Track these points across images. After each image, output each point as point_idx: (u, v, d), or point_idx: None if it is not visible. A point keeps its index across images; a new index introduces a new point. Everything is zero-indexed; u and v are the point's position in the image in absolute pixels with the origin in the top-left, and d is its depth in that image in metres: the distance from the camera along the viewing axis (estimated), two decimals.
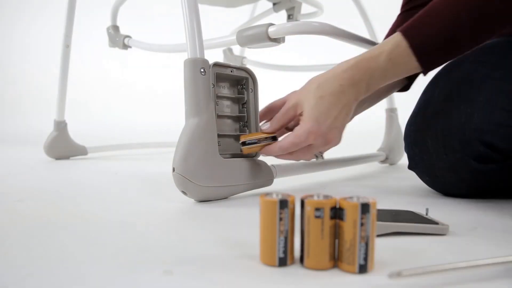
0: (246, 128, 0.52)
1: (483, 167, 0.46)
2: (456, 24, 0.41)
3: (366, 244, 0.25)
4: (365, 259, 0.25)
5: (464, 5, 0.41)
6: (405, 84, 0.63)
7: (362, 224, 0.24)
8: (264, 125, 0.49)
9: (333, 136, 0.45)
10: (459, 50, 0.44)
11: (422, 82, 0.59)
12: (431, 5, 0.43)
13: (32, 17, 2.32)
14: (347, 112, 0.45)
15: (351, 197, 0.26)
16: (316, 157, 0.49)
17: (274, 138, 0.49)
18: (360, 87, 0.44)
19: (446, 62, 0.46)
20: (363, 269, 0.25)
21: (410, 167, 0.53)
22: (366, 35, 0.84)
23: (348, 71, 0.44)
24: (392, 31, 0.63)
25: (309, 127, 0.44)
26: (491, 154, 0.45)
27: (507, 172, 0.47)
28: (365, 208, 0.24)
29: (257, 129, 0.52)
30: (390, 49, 0.43)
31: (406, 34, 0.43)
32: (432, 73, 0.56)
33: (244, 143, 0.47)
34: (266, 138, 0.48)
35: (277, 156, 0.48)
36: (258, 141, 0.47)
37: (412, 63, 0.43)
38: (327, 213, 0.25)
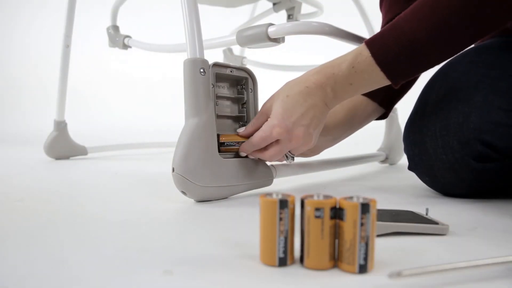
0: None
1: (482, 167, 0.46)
2: (416, 38, 0.41)
3: (366, 244, 0.25)
4: (365, 259, 0.25)
5: (424, 20, 0.41)
6: (384, 112, 0.65)
7: (362, 224, 0.24)
8: (240, 129, 0.49)
9: (298, 133, 0.44)
10: (426, 62, 0.43)
11: (420, 83, 0.59)
12: (396, 19, 0.43)
13: (32, 17, 2.32)
14: (316, 114, 0.45)
15: (351, 197, 0.26)
16: (287, 157, 0.49)
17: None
18: (326, 91, 0.45)
19: (416, 73, 0.45)
20: (363, 269, 0.25)
21: (410, 167, 0.53)
22: (366, 35, 0.84)
23: (314, 75, 0.46)
24: None
25: (273, 121, 0.45)
26: (490, 153, 0.45)
27: (506, 171, 0.47)
28: (365, 208, 0.24)
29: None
30: (352, 57, 0.44)
31: (368, 44, 0.44)
32: (429, 75, 0.57)
33: (222, 144, 0.47)
34: (242, 142, 0.48)
35: (251, 154, 0.48)
36: (237, 143, 0.48)
37: (377, 73, 0.43)
38: (327, 213, 0.25)
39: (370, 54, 0.43)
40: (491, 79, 0.47)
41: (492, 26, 0.42)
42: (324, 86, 0.45)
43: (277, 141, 0.45)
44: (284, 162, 0.50)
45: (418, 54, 0.42)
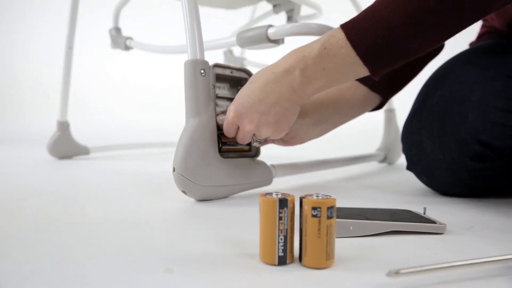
0: None
1: (479, 166, 0.46)
2: (394, 21, 0.37)
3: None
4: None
5: (403, 2, 0.37)
6: (379, 103, 0.60)
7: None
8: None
9: (252, 119, 0.44)
10: (406, 49, 0.39)
11: (418, 84, 0.59)
12: (373, 3, 0.40)
13: (35, 18, 2.33)
14: (279, 101, 0.43)
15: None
16: (253, 140, 0.48)
17: (248, 144, 0.51)
18: (294, 75, 0.41)
19: (395, 61, 0.40)
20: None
21: (408, 167, 0.54)
22: None
23: (282, 60, 0.43)
24: None
25: (230, 107, 0.45)
26: (486, 153, 0.46)
27: (502, 170, 0.47)
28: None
29: None
30: (325, 39, 0.40)
31: (343, 26, 0.40)
32: (426, 75, 0.57)
33: (223, 144, 0.48)
34: None
35: (228, 137, 0.49)
36: (236, 143, 0.49)
37: (352, 57, 0.39)
38: (324, 213, 0.25)
39: (344, 36, 0.39)
40: (487, 79, 0.47)
41: (474, 13, 0.38)
42: (292, 70, 0.41)
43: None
44: (255, 144, 0.49)
45: (397, 39, 0.38)
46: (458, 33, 0.40)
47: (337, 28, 0.40)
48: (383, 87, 0.59)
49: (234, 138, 0.49)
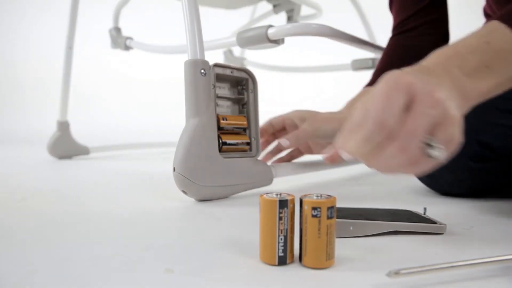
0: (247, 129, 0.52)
1: (480, 166, 0.46)
2: None
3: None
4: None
5: None
6: None
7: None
8: (283, 141, 0.50)
9: (439, 95, 0.25)
10: None
11: None
12: None
13: (35, 18, 2.33)
14: (452, 88, 0.28)
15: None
16: (430, 145, 0.26)
17: (249, 143, 0.51)
18: (453, 73, 0.29)
19: None
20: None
21: None
22: (365, 37, 0.84)
23: (420, 65, 0.30)
24: (383, 58, 0.61)
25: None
26: (486, 153, 0.46)
27: (502, 170, 0.47)
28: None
29: (257, 130, 0.53)
30: (483, 33, 0.32)
31: (505, 19, 0.31)
32: None
33: (223, 144, 0.48)
34: (242, 142, 0.50)
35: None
36: (236, 144, 0.49)
37: None
38: (324, 213, 0.25)
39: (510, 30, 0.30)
40: None
41: None
42: (448, 67, 0.29)
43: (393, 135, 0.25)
44: (432, 157, 0.26)
45: None
46: None
47: (495, 22, 0.32)
48: None
49: (235, 137, 0.48)
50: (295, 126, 0.54)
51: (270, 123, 0.58)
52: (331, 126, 0.51)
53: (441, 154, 0.26)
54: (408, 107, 0.25)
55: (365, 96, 0.31)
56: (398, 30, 0.63)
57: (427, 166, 0.27)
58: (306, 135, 0.51)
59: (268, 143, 0.59)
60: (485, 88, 0.31)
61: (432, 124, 0.25)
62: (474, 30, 0.32)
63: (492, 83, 0.31)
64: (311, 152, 0.60)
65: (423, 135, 0.25)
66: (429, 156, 0.26)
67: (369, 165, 0.27)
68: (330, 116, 0.53)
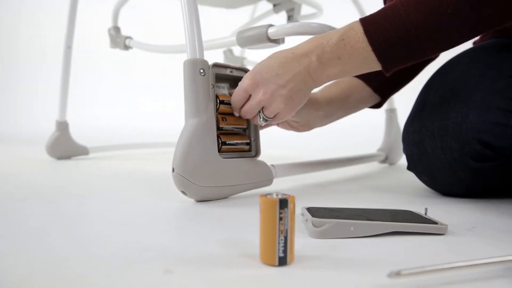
0: (246, 129, 0.52)
1: (481, 166, 0.46)
2: (412, 22, 0.39)
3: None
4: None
5: (422, 4, 0.39)
6: (379, 101, 0.67)
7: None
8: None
9: (267, 89, 0.44)
10: (421, 50, 0.41)
11: (419, 83, 0.59)
12: (394, 1, 0.41)
13: (34, 17, 2.33)
14: (296, 80, 0.44)
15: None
16: (260, 117, 0.47)
17: (248, 144, 0.51)
18: (311, 59, 0.43)
19: (409, 60, 0.42)
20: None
21: (409, 167, 0.54)
22: None
23: (303, 44, 0.45)
24: None
25: (246, 76, 0.45)
26: (488, 153, 0.45)
27: (503, 170, 0.47)
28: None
29: (257, 130, 0.52)
30: (344, 30, 0.43)
31: (362, 21, 0.42)
32: (427, 75, 0.57)
33: (223, 144, 0.48)
34: (242, 143, 0.50)
35: (236, 112, 0.49)
36: (236, 144, 0.49)
37: (367, 52, 0.41)
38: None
39: (362, 31, 0.41)
40: (490, 79, 0.47)
41: (491, 22, 0.40)
42: (310, 54, 0.43)
43: (249, 97, 0.46)
44: (260, 122, 0.47)
45: (413, 41, 0.40)
46: (474, 38, 0.42)
47: (357, 21, 0.42)
48: (384, 89, 0.65)
49: (234, 138, 0.48)
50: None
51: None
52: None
53: (264, 122, 0.48)
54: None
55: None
56: None
57: (263, 125, 0.51)
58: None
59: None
60: (333, 73, 0.44)
61: (260, 107, 0.46)
62: (343, 26, 0.44)
63: (339, 69, 0.44)
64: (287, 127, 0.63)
65: (256, 111, 0.47)
66: (260, 121, 0.47)
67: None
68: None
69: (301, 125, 0.60)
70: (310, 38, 0.45)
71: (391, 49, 0.41)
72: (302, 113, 0.57)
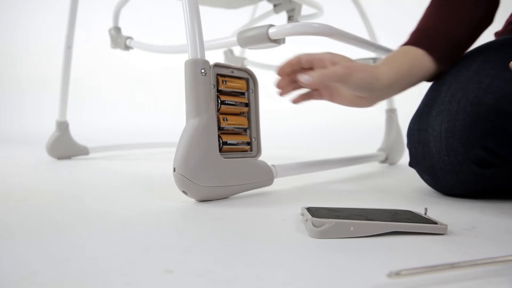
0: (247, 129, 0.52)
1: (483, 171, 0.46)
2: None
3: None
4: None
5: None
6: (438, 71, 0.56)
7: None
8: (304, 77, 0.48)
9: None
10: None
11: (418, 83, 0.58)
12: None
13: (34, 17, 2.33)
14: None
15: None
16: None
17: (249, 144, 0.51)
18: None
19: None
20: None
21: (411, 164, 0.53)
22: (366, 36, 0.84)
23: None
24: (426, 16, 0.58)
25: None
26: (491, 158, 0.45)
27: (506, 175, 0.47)
28: None
29: (258, 130, 0.53)
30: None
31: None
32: None
33: (224, 143, 0.48)
34: (243, 142, 0.50)
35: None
36: (237, 144, 0.49)
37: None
38: None
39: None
40: (504, 82, 0.45)
41: None
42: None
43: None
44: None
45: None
46: None
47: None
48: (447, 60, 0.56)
49: (236, 137, 0.48)
50: (324, 68, 0.50)
51: (298, 59, 0.52)
52: (362, 75, 0.48)
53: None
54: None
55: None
56: None
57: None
58: (334, 77, 0.47)
59: (283, 84, 0.54)
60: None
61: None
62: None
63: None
64: (331, 98, 0.55)
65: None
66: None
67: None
68: (363, 65, 0.50)
69: (366, 100, 0.53)
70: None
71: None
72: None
